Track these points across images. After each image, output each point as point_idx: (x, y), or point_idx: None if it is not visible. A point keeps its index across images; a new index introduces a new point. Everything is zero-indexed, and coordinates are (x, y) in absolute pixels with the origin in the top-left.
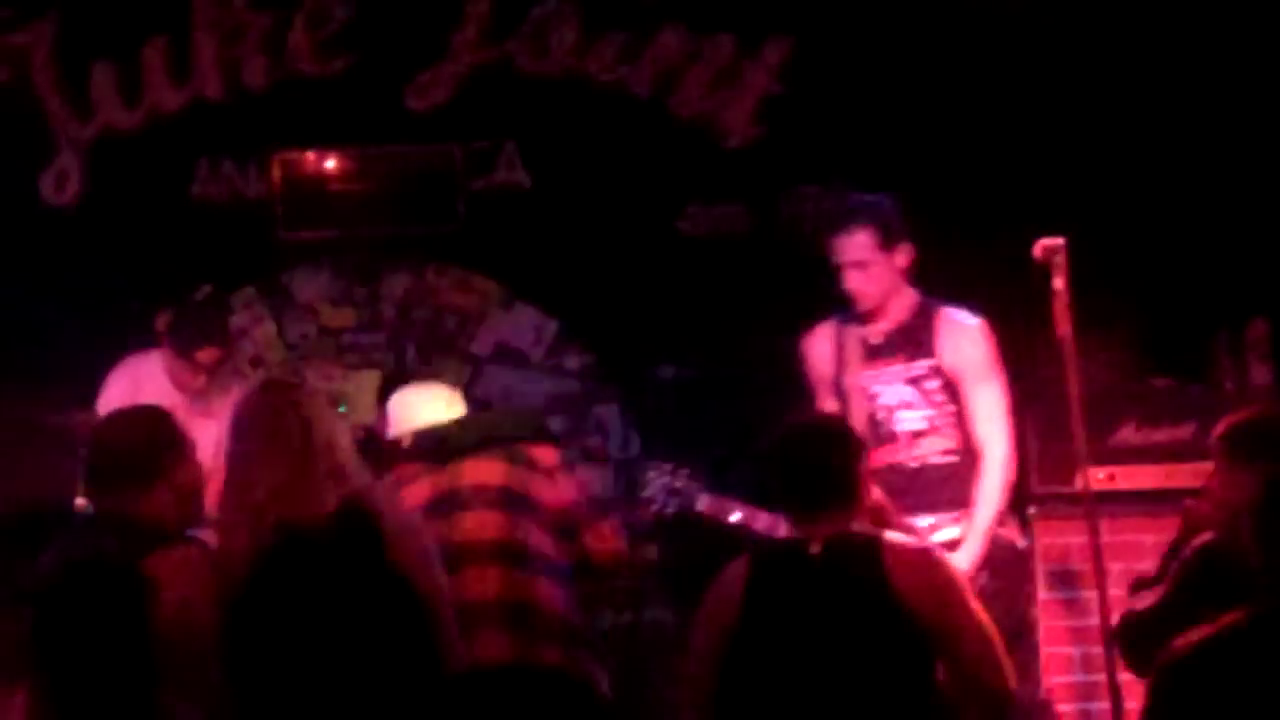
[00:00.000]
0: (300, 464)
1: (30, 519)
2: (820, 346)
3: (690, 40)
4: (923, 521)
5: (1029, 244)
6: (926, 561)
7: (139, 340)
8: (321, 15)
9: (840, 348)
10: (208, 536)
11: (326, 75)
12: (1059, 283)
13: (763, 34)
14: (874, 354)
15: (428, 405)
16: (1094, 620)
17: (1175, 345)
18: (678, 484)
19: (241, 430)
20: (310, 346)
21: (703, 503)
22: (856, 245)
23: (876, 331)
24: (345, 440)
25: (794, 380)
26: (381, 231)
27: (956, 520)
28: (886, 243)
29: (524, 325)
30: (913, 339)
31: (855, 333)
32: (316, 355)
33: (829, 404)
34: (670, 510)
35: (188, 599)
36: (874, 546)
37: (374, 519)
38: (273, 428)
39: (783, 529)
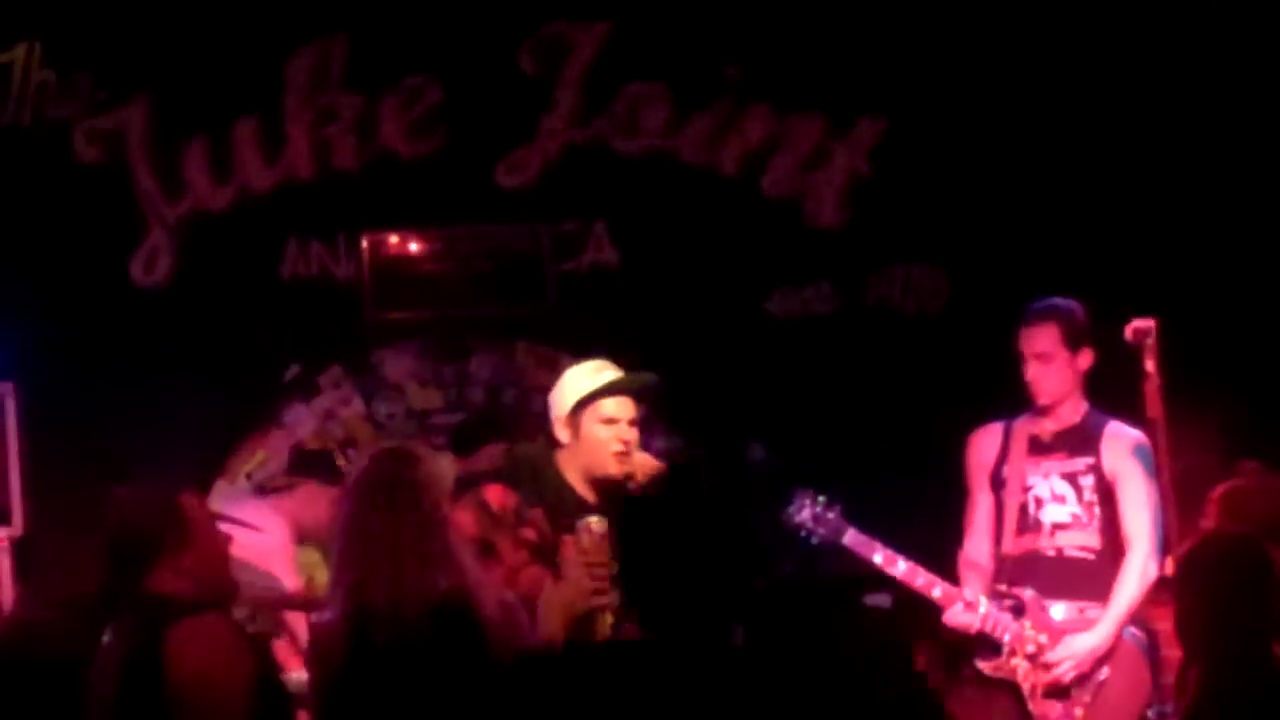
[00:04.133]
0: (398, 546)
1: None
2: (988, 440)
3: (778, 120)
4: (1056, 610)
5: (1119, 326)
6: None
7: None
8: (413, 96)
9: (1007, 442)
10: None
11: (417, 155)
12: (1150, 365)
13: (853, 115)
14: (1039, 449)
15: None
16: None
17: (1266, 428)
18: (829, 514)
19: (350, 500)
20: (398, 427)
21: (849, 537)
22: (1042, 338)
23: (1046, 430)
24: (457, 521)
25: (881, 459)
26: (470, 311)
27: (1083, 611)
28: (1071, 342)
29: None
30: (1078, 439)
31: (1024, 429)
32: (404, 436)
33: (983, 495)
34: (815, 539)
35: (202, 672)
36: None
37: (474, 613)
38: (374, 504)
39: (921, 577)
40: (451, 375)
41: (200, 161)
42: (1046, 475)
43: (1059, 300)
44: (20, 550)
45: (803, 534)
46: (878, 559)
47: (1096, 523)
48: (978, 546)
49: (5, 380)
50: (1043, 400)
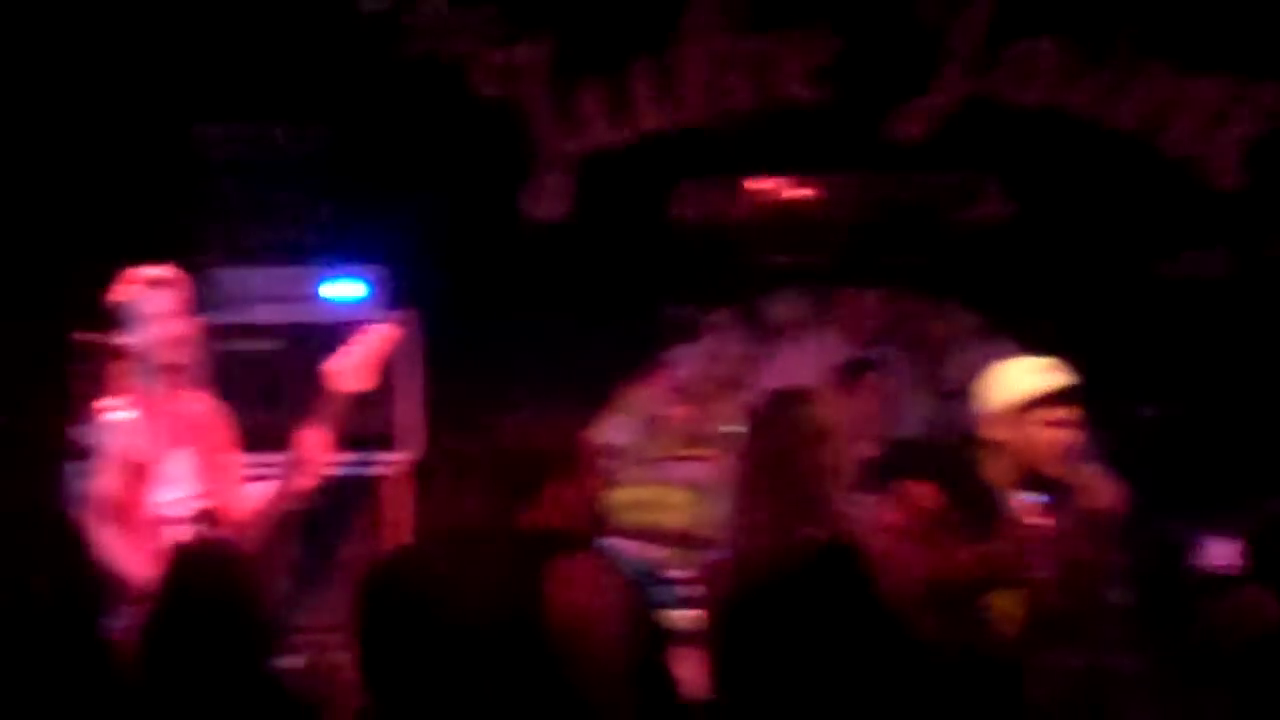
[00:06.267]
0: (776, 492)
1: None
2: None
3: (1176, 79)
4: None
5: None
6: None
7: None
8: (810, 44)
9: None
10: None
11: (811, 102)
12: None
13: (1254, 76)
14: None
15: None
16: None
17: None
18: None
19: (744, 443)
20: None
21: None
22: None
23: None
24: (841, 466)
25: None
26: (857, 260)
27: None
28: None
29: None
30: None
31: None
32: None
33: None
34: None
35: (583, 610)
36: None
37: (858, 556)
38: (757, 450)
39: None
40: None
41: (597, 100)
42: None
43: None
44: (420, 476)
45: None
46: None
47: None
48: None
49: (410, 308)
50: None
